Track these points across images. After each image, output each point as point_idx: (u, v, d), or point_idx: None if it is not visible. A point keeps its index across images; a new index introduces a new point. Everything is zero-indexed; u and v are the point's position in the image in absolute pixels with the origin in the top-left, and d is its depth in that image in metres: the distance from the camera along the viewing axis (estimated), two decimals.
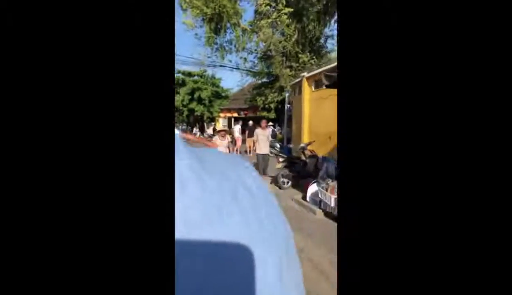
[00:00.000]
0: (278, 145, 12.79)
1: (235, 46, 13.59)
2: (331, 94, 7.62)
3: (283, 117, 13.14)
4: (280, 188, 6.56)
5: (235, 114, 26.20)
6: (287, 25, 12.45)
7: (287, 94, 12.39)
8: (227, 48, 13.78)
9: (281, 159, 6.64)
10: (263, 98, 14.04)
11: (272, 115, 14.07)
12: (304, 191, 5.90)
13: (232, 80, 47.14)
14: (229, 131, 6.83)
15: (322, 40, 14.24)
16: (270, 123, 13.17)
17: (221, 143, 6.23)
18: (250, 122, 13.68)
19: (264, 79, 19.23)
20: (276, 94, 13.54)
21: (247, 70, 15.44)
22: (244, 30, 13.03)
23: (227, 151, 6.32)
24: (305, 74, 8.71)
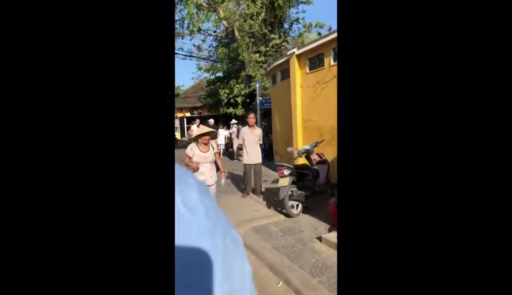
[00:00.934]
0: None
1: (188, 27, 10.90)
2: (336, 76, 5.57)
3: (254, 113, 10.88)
4: (288, 215, 4.25)
5: (188, 114, 23.46)
6: (253, 0, 10.16)
7: (257, 85, 10.09)
8: (178, 30, 11.03)
9: (286, 171, 4.30)
10: (227, 91, 11.53)
11: (240, 111, 11.63)
12: (332, 220, 3.71)
13: (182, 76, 43.00)
14: (216, 133, 4.05)
15: (286, 25, 12.22)
16: (234, 121, 10.76)
17: (203, 157, 3.54)
18: (211, 120, 11.10)
19: (219, 74, 16.87)
20: (242, 86, 11.17)
21: (204, 58, 12.79)
22: (199, 6, 10.42)
23: (213, 168, 3.73)
24: (295, 50, 6.49)
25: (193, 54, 12.39)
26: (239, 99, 11.31)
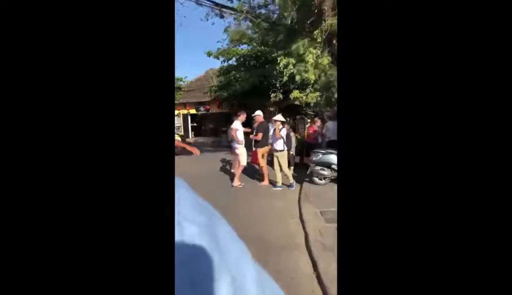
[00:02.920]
0: (332, 159, 5.69)
1: None
2: None
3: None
4: None
5: (193, 111, 18.81)
6: None
7: None
8: None
9: None
10: (292, 60, 6.43)
11: (313, 96, 6.67)
12: None
13: (184, 67, 37.00)
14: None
15: None
16: (280, 118, 5.79)
17: None
18: (259, 113, 6.12)
19: (232, 62, 12.52)
20: (316, 51, 6.24)
21: (248, 13, 7.69)
22: None
23: None
24: None
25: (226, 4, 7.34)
26: (311, 75, 6.34)
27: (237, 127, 5.78)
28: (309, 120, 10.23)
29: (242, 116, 5.91)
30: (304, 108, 12.47)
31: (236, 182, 5.84)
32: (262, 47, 12.99)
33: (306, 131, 8.56)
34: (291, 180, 5.82)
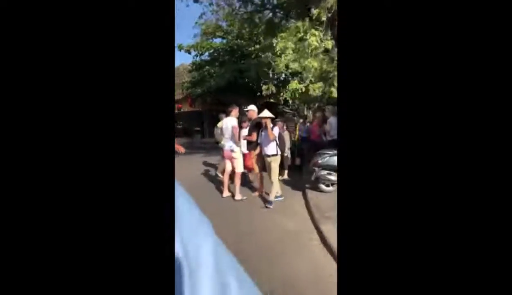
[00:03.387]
0: None
1: None
2: None
3: None
4: None
5: None
6: None
7: None
8: None
9: None
10: (290, 45, 5.19)
11: (316, 87, 5.58)
12: None
13: None
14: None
15: None
16: (267, 113, 4.63)
17: None
18: (252, 108, 4.95)
19: (205, 57, 11.80)
20: (318, 32, 5.21)
21: None
22: None
23: None
24: None
25: None
26: (312, 62, 5.31)
27: (235, 124, 4.57)
28: (294, 118, 9.29)
29: (235, 112, 4.71)
30: (282, 106, 11.43)
31: (238, 195, 4.64)
32: (238, 40, 11.89)
33: (297, 130, 7.61)
34: (272, 197, 4.34)
